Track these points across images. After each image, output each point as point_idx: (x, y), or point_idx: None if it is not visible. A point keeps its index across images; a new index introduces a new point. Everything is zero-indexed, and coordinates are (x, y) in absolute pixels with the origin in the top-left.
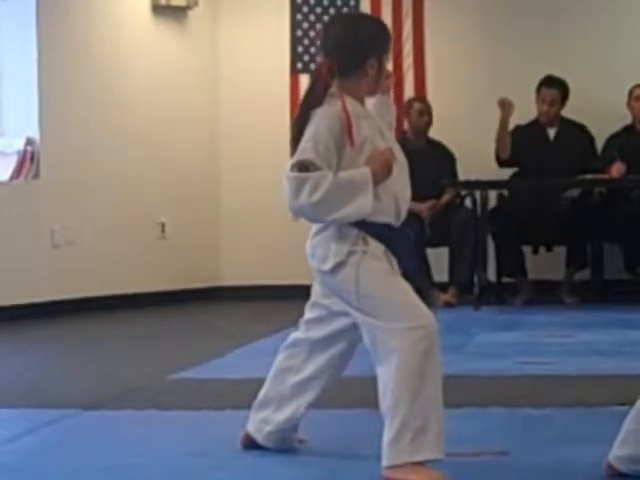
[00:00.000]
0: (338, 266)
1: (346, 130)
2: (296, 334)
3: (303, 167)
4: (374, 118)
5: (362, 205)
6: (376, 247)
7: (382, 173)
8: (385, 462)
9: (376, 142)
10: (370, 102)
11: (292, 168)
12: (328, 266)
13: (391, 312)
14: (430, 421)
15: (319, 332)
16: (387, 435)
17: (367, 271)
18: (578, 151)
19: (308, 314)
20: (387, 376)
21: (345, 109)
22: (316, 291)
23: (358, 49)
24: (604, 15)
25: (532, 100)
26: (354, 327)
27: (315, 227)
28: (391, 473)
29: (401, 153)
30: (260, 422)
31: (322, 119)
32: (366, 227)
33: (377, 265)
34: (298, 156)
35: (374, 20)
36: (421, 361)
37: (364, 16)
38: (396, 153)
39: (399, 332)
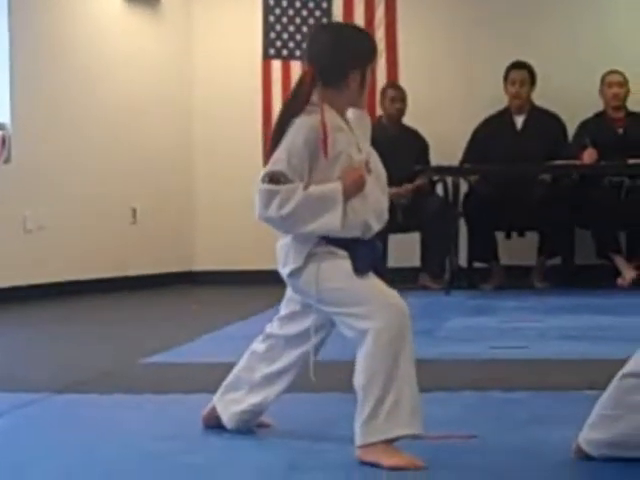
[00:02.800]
0: (297, 270)
1: (321, 142)
2: (272, 328)
3: (274, 179)
4: (352, 130)
5: (331, 221)
6: (339, 250)
7: (354, 189)
8: (358, 442)
9: (352, 155)
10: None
11: (263, 179)
12: (287, 271)
13: (357, 297)
14: (404, 397)
15: (294, 328)
16: (360, 414)
17: (328, 268)
18: (547, 139)
19: (283, 310)
20: (360, 356)
21: (323, 121)
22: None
23: (342, 59)
24: (575, 2)
25: (502, 87)
26: (328, 322)
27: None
28: (363, 453)
29: (379, 164)
30: (230, 402)
31: (299, 130)
32: (330, 239)
33: (339, 262)
34: (270, 166)
35: (361, 31)
36: (393, 339)
37: (351, 26)
38: (372, 164)
39: (369, 314)
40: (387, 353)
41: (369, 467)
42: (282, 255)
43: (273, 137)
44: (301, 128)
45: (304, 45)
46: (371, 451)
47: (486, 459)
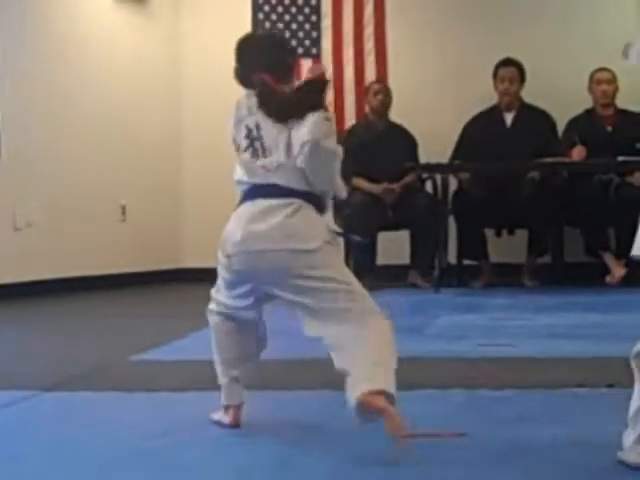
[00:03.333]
0: (325, 244)
1: None
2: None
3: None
4: None
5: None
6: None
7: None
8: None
9: None
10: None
11: (326, 110)
12: (315, 245)
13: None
14: None
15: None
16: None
17: (338, 252)
18: (537, 136)
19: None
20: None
21: None
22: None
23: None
24: (567, 1)
25: (492, 85)
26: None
27: (285, 209)
28: (371, 398)
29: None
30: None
31: None
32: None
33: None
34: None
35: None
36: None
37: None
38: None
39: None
40: (392, 345)
41: (359, 461)
42: (307, 230)
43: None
44: None
45: (293, 42)
46: (377, 398)
47: (476, 457)
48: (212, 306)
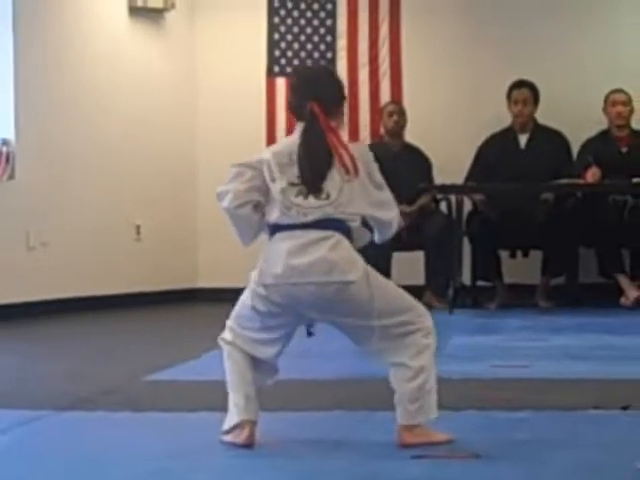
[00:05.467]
0: (364, 275)
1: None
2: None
3: None
4: None
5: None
6: None
7: None
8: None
9: None
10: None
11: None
12: (357, 275)
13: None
14: None
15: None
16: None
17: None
18: (551, 157)
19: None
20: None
21: None
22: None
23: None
24: (578, 21)
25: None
26: None
27: (327, 244)
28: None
29: None
30: None
31: None
32: None
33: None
34: None
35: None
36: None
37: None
38: None
39: (428, 329)
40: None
41: None
42: (345, 263)
43: None
44: None
45: (309, 63)
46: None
47: (487, 479)
48: (228, 337)
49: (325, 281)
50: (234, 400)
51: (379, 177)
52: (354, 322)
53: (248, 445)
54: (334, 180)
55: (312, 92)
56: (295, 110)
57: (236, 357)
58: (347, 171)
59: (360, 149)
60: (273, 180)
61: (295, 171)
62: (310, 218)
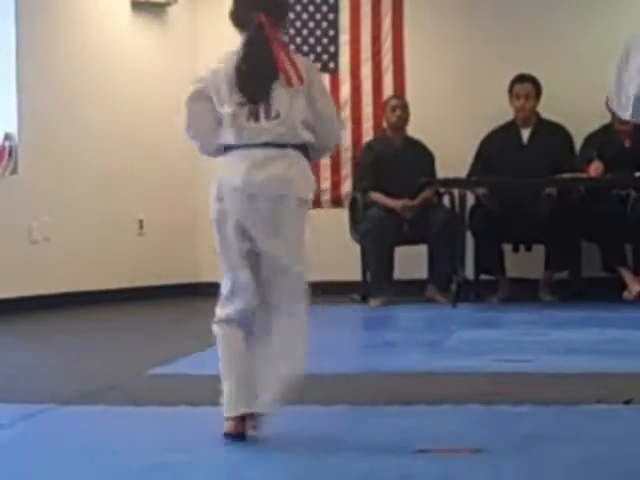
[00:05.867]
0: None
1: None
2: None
3: None
4: None
5: None
6: None
7: None
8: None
9: None
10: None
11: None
12: (310, 195)
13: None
14: None
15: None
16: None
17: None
18: (554, 152)
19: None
20: (301, 327)
21: None
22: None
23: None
24: (580, 16)
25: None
26: None
27: (288, 159)
28: None
29: None
30: None
31: None
32: None
33: None
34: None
35: None
36: None
37: None
38: None
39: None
40: None
41: (375, 477)
42: (303, 180)
43: None
44: None
45: (311, 57)
46: None
47: (492, 474)
48: (217, 315)
49: (282, 194)
50: (225, 390)
51: (321, 89)
52: (286, 252)
53: (239, 435)
54: (282, 95)
55: (258, 2)
56: (239, 20)
57: (227, 334)
58: (289, 82)
59: (304, 60)
60: (221, 104)
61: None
62: (263, 139)
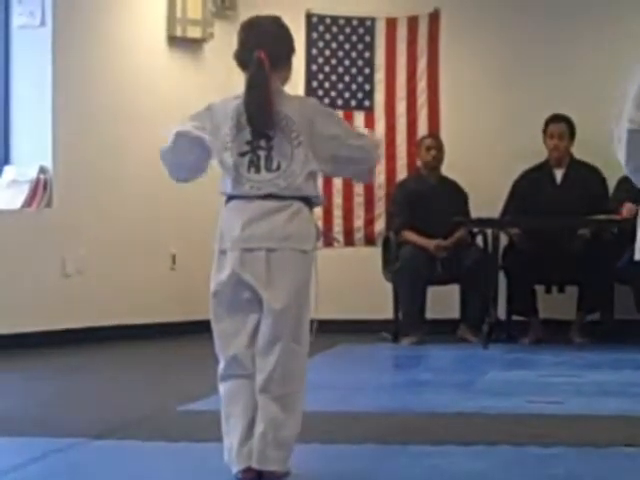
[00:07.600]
0: (313, 249)
1: None
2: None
3: None
4: None
5: None
6: None
7: None
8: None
9: None
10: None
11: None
12: (310, 246)
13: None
14: None
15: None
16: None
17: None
18: (587, 192)
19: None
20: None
21: None
22: None
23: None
24: (618, 60)
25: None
26: None
27: (288, 211)
28: None
29: None
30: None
31: None
32: None
33: None
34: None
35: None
36: None
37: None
38: None
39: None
40: None
41: None
42: (304, 231)
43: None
44: None
45: (346, 95)
46: None
47: None
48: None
49: (280, 247)
50: (226, 445)
51: (334, 127)
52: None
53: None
54: (282, 145)
55: (260, 41)
56: (241, 60)
57: (229, 388)
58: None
59: (303, 100)
60: (225, 149)
61: (245, 136)
62: (263, 192)
